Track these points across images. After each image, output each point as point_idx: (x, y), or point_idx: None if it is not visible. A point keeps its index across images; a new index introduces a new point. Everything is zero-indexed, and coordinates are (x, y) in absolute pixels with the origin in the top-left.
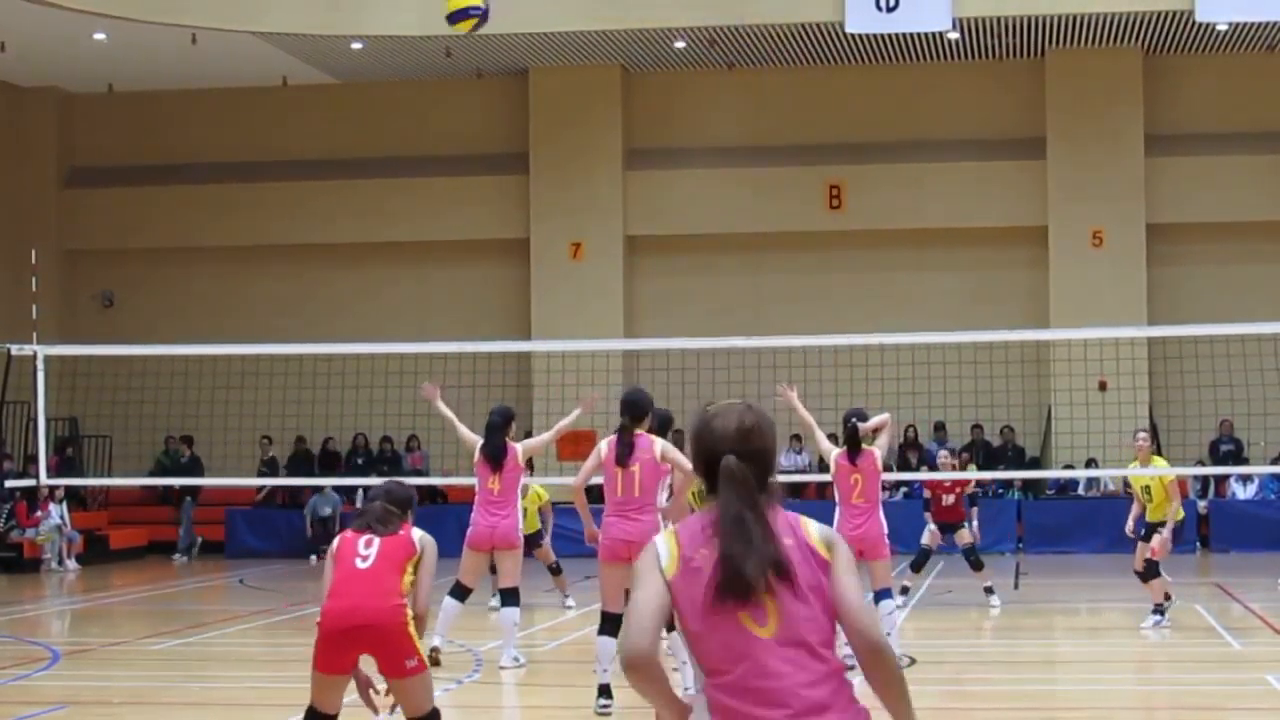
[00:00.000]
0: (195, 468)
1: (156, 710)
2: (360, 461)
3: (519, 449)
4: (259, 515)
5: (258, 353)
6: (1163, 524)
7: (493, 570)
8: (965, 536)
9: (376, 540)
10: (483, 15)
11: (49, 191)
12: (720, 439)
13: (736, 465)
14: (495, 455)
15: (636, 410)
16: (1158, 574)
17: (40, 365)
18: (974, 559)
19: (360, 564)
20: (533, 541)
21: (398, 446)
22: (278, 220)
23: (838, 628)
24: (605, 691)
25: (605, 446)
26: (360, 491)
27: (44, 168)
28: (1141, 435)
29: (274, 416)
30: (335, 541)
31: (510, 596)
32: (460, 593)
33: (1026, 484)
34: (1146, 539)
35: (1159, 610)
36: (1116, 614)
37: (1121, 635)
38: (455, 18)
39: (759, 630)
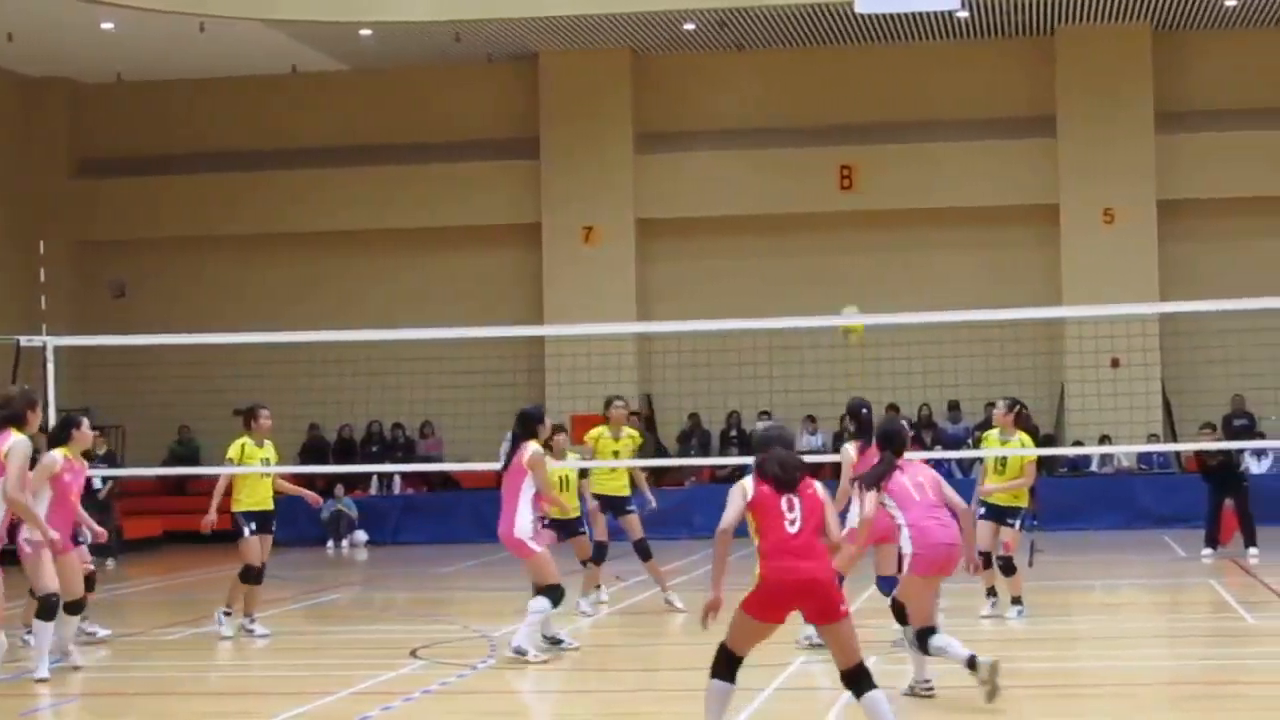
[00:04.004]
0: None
1: (170, 700)
2: (375, 449)
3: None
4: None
5: (270, 341)
6: None
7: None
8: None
9: (797, 501)
10: None
11: (60, 182)
12: None
13: None
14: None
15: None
16: None
17: (50, 356)
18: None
19: (790, 528)
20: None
21: (411, 433)
22: (289, 208)
23: None
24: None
25: None
26: (375, 479)
27: (54, 158)
28: None
29: (286, 404)
30: (749, 488)
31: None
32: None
33: (1040, 462)
34: None
35: None
36: (1133, 590)
37: (1138, 611)
38: None
39: None
